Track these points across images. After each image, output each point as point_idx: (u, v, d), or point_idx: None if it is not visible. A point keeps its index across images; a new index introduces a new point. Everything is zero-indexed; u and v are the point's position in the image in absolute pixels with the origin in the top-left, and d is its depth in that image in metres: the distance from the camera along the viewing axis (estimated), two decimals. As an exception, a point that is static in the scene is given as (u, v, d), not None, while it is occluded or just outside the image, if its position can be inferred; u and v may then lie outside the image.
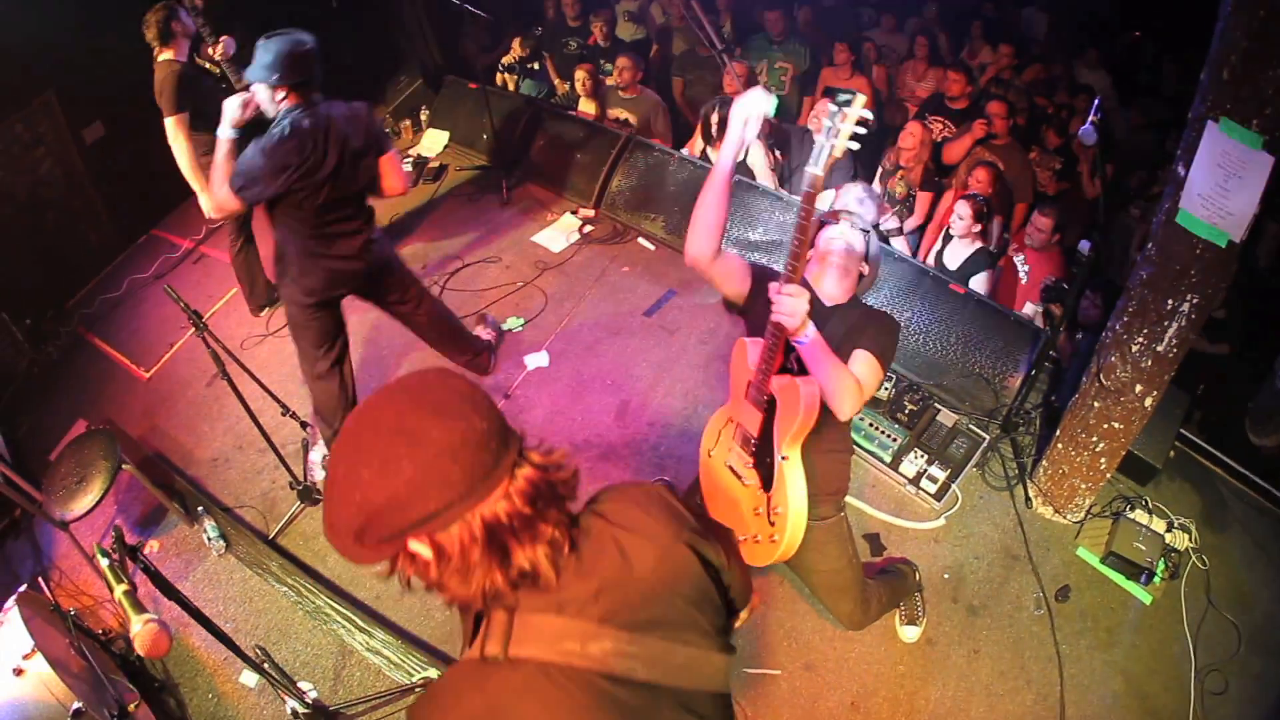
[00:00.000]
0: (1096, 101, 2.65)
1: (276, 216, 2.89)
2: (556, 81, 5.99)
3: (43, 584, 2.83)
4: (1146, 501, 3.28)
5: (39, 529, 3.43)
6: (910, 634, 2.88)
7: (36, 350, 4.24)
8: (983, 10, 6.17)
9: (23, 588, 2.76)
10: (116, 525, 2.66)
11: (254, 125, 2.78)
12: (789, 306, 1.84)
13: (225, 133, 2.71)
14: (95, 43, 4.17)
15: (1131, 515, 3.19)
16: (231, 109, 2.70)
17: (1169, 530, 3.20)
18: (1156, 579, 3.08)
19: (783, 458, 2.09)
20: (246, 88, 2.73)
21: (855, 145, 1.72)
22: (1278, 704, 2.81)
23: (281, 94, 2.67)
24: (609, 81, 5.24)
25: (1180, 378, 2.88)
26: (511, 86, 5.86)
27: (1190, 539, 3.22)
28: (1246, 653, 2.96)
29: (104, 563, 1.92)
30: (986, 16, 6.07)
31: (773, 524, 2.17)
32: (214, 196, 2.77)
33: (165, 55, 3.53)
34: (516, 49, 5.83)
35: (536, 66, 5.96)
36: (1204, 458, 3.57)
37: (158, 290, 4.39)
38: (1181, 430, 3.45)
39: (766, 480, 2.18)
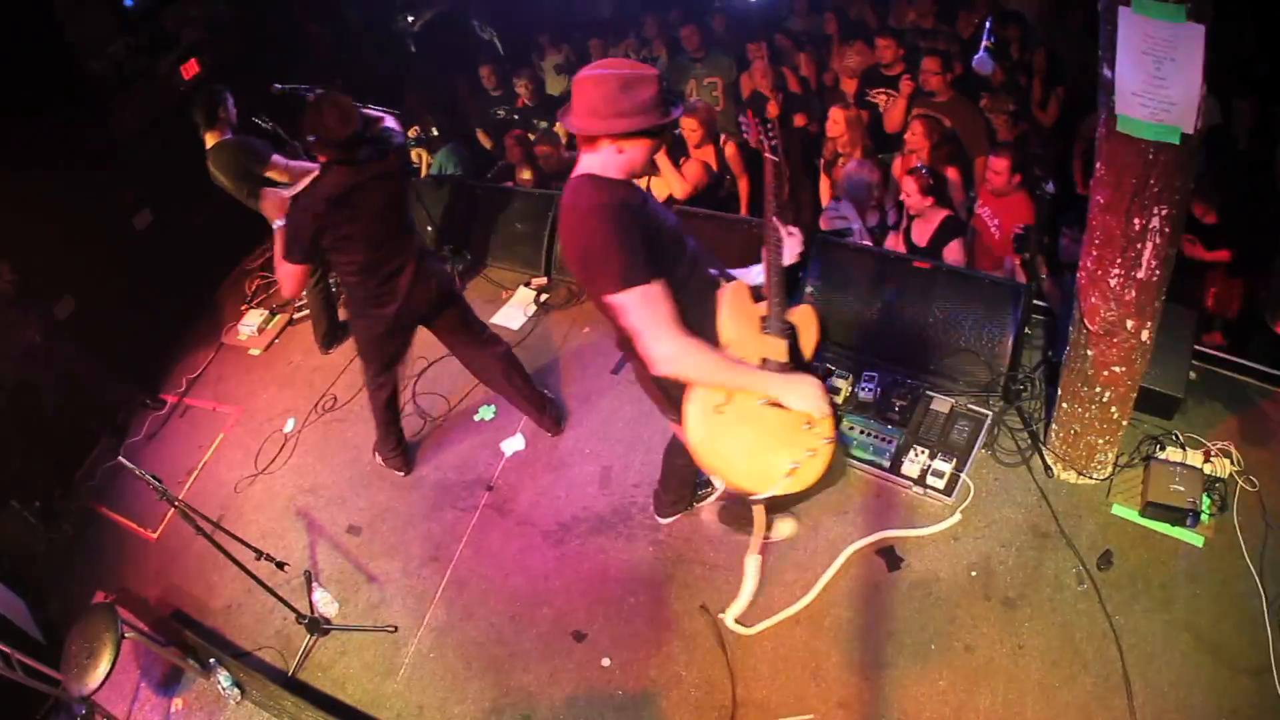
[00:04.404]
0: (988, 24, 2.39)
1: None
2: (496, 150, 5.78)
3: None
4: (1176, 436, 3.04)
5: (76, 706, 3.48)
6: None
7: (51, 530, 4.29)
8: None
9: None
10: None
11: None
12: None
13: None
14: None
15: (1162, 456, 2.96)
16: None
17: (1207, 460, 2.96)
18: (1204, 517, 2.84)
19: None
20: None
21: None
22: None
23: None
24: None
25: (1185, 290, 2.58)
26: (426, 160, 5.68)
27: (1233, 462, 2.97)
28: (1322, 562, 2.73)
29: None
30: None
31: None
32: None
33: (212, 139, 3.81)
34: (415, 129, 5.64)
35: (436, 131, 5.76)
36: (1230, 369, 3.30)
37: (151, 451, 4.45)
38: (1198, 347, 3.20)
39: None
